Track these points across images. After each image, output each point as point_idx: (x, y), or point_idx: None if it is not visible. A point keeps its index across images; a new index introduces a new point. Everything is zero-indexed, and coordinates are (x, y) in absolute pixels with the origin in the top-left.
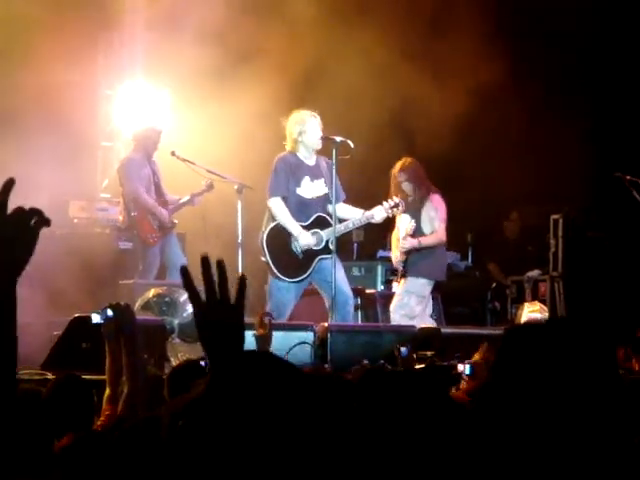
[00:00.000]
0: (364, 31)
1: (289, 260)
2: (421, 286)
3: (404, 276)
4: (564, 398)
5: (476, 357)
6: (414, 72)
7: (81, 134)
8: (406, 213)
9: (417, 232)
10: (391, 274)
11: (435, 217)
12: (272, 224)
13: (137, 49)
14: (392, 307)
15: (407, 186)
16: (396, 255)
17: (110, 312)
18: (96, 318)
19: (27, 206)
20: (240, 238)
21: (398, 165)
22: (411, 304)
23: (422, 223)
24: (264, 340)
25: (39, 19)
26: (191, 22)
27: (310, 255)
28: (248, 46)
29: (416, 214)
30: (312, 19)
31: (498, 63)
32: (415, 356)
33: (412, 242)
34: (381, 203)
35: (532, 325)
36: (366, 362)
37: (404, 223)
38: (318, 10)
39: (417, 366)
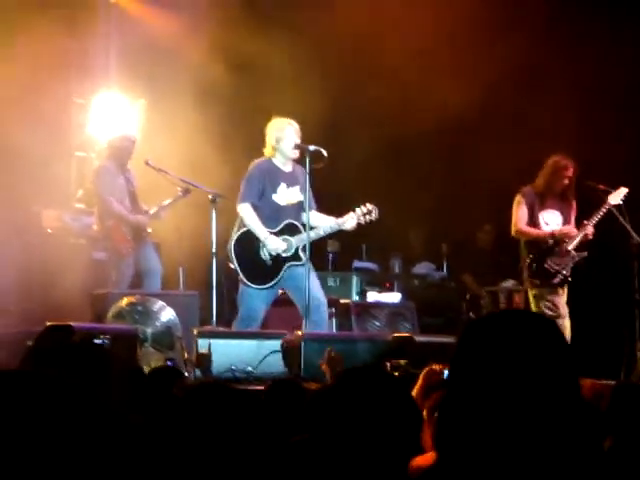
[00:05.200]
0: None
1: (257, 267)
2: None
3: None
4: (524, 389)
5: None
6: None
7: (54, 144)
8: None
9: None
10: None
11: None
12: (241, 231)
13: (111, 60)
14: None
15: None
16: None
17: None
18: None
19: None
20: (215, 247)
21: (572, 163)
22: None
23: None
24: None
25: (11, 23)
26: (166, 34)
27: (279, 262)
28: (224, 57)
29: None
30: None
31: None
32: (388, 365)
33: None
34: (353, 210)
35: (489, 316)
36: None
37: (557, 218)
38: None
39: None
